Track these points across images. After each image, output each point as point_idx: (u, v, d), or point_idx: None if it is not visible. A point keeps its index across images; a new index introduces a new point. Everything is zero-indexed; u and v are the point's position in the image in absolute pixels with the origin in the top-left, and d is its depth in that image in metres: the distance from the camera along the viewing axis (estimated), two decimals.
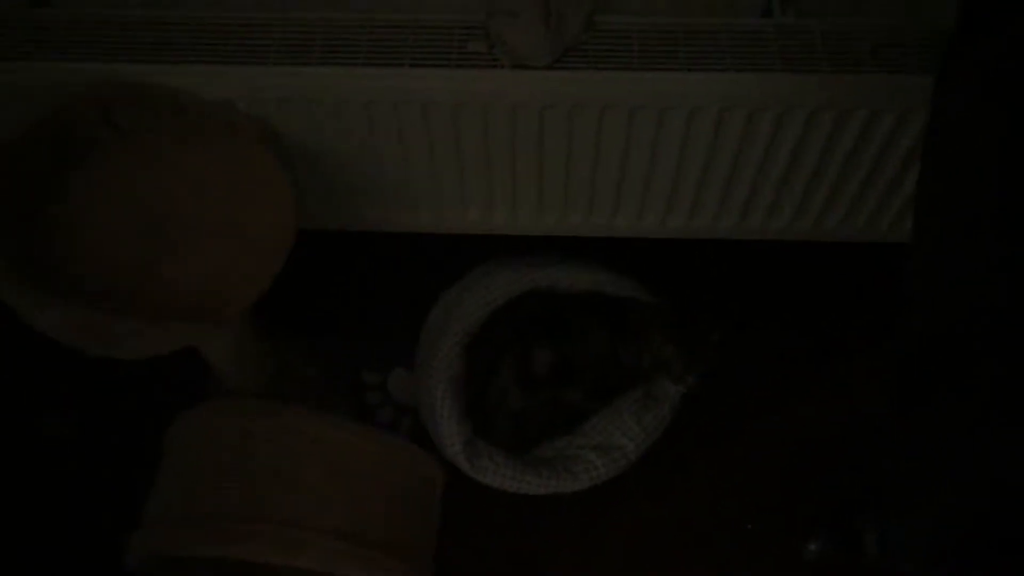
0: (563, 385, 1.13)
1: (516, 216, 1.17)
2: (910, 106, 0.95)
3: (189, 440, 0.97)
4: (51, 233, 0.83)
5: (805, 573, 1.09)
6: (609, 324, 1.17)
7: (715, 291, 1.28)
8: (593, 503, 1.13)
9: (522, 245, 1.20)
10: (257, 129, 0.97)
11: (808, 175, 1.07)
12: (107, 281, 0.82)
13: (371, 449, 0.99)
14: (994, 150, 0.61)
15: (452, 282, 1.21)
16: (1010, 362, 0.62)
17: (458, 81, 0.94)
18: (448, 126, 1.01)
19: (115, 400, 1.16)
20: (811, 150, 1.02)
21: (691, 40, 0.95)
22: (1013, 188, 0.60)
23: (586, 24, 0.95)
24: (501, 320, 1.15)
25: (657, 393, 1.16)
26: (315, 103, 0.97)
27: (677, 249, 1.23)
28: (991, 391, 0.64)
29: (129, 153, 0.91)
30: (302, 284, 1.18)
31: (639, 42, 0.95)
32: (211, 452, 0.95)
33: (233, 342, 1.03)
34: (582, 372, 1.14)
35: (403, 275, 1.27)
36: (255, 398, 1.02)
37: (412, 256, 1.26)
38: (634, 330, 1.17)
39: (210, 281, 0.91)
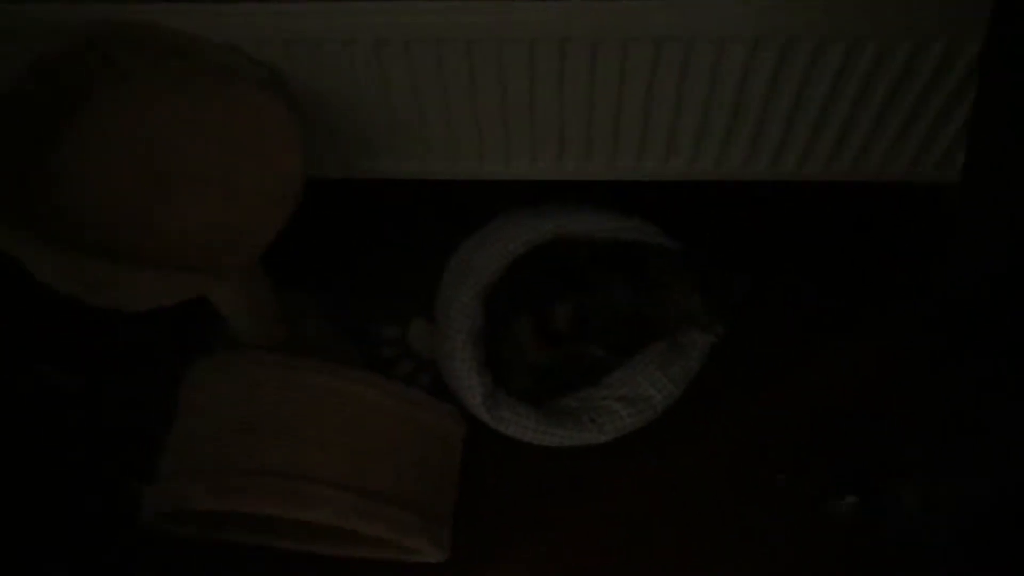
0: (583, 340, 1.10)
1: (536, 161, 1.12)
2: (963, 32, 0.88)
3: (201, 392, 0.95)
4: (49, 179, 0.80)
5: (838, 528, 1.06)
6: (631, 275, 1.12)
7: (743, 237, 1.22)
8: (618, 454, 1.10)
9: (542, 191, 1.15)
10: (263, 73, 0.93)
11: (849, 108, 1.00)
12: (107, 229, 0.79)
13: (386, 402, 0.97)
14: None
15: (471, 231, 1.17)
16: None
17: (472, 13, 0.89)
18: (462, 64, 0.96)
19: (127, 353, 1.14)
20: (852, 81, 0.96)
21: None
22: None
23: None
24: (520, 271, 1.11)
25: (684, 342, 1.12)
26: (323, 43, 0.93)
27: (701, 193, 1.17)
28: None
29: (129, 98, 0.88)
30: (316, 235, 1.15)
31: None
32: (222, 405, 0.93)
33: (242, 294, 1.00)
34: (602, 326, 1.10)
35: (420, 224, 1.24)
36: (266, 350, 0.99)
37: (428, 204, 1.22)
38: (657, 280, 1.12)
39: (214, 231, 0.87)
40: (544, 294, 1.11)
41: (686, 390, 1.11)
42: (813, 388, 1.13)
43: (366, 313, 1.20)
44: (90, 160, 0.83)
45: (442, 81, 0.98)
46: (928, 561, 0.87)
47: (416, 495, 0.94)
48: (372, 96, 1.01)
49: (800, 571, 1.06)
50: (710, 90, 0.98)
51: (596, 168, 1.14)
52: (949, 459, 0.78)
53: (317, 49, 0.93)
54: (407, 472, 0.96)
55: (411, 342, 1.17)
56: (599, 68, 0.96)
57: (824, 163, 1.11)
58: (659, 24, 0.89)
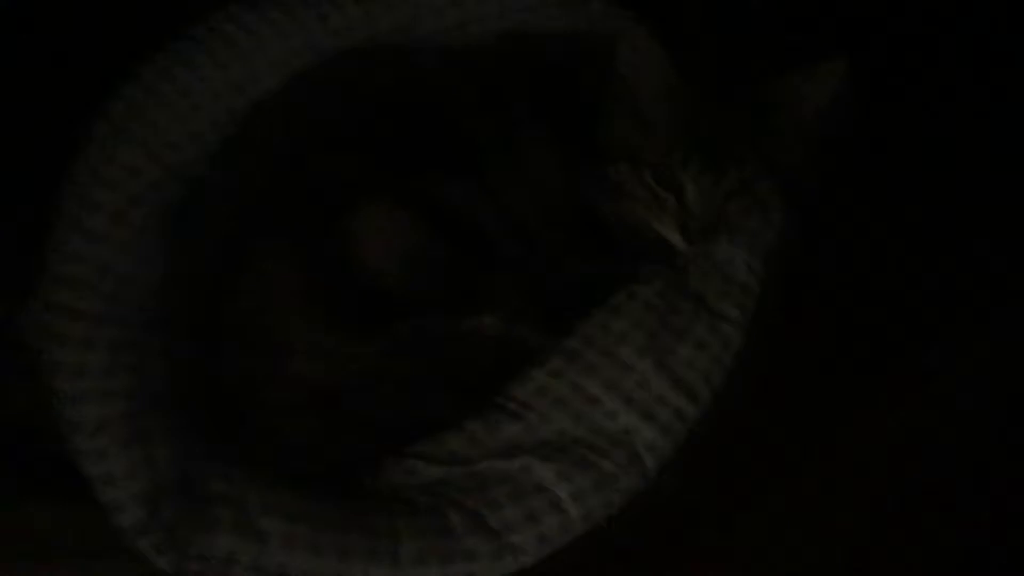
0: (456, 302, 0.42)
1: None
2: None
3: None
4: None
5: None
6: (565, 126, 0.44)
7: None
8: None
9: None
10: None
11: None
12: None
13: None
14: None
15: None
16: None
17: None
18: None
19: None
20: None
21: None
22: None
23: None
24: (268, 142, 0.43)
25: (705, 290, 0.45)
26: None
27: None
28: None
29: None
30: None
31: None
32: None
33: None
34: (504, 260, 0.43)
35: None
36: None
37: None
38: (618, 137, 0.43)
39: None
40: (334, 188, 0.42)
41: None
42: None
43: None
44: None
45: None
46: None
47: None
48: None
49: None
50: None
51: None
52: None
53: None
54: None
55: (29, 332, 0.49)
56: None
57: None
58: None
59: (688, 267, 0.46)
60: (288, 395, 0.40)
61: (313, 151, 0.42)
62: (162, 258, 0.41)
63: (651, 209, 0.42)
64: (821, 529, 0.47)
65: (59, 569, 0.39)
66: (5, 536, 0.40)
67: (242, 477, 0.39)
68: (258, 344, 0.40)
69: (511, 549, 0.39)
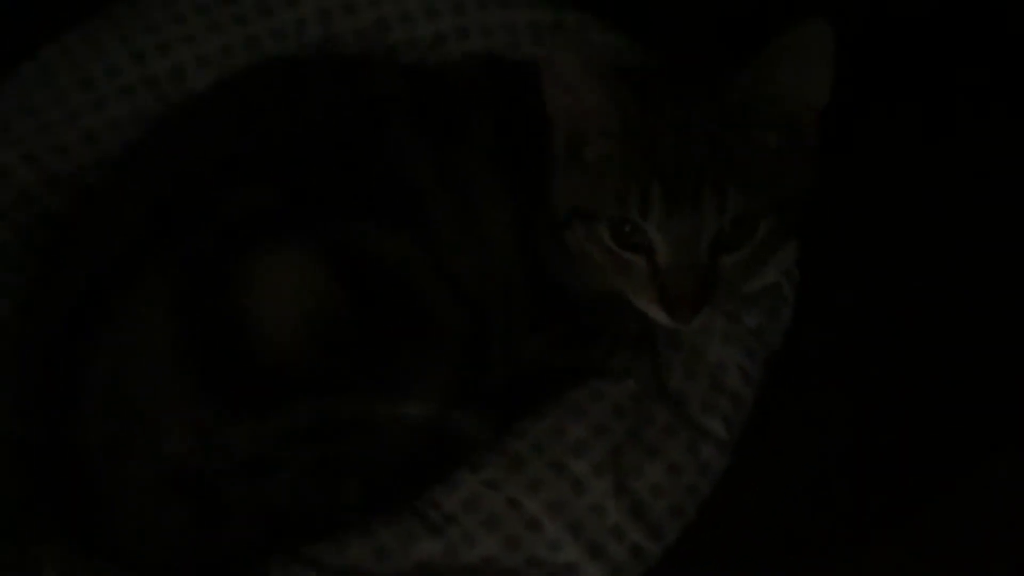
0: (374, 382, 0.34)
1: None
2: None
3: None
4: None
5: None
6: (526, 178, 0.36)
7: None
8: None
9: None
10: None
11: None
12: None
13: None
14: None
15: None
16: None
17: None
18: None
19: None
20: None
21: None
22: None
23: None
24: (169, 149, 0.35)
25: (687, 395, 0.37)
26: None
27: None
28: None
29: None
30: None
31: None
32: None
33: None
34: (442, 334, 0.35)
35: None
36: None
37: None
38: (566, 190, 0.35)
39: None
40: (227, 233, 0.33)
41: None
42: None
43: None
44: None
45: None
46: None
47: None
48: None
49: None
50: None
51: None
52: None
53: None
54: None
55: None
56: None
57: None
58: None
59: (672, 361, 0.38)
60: (154, 475, 0.32)
61: (224, 174, 0.34)
62: (18, 285, 0.33)
63: (620, 277, 0.33)
64: None
65: None
66: None
67: (83, 567, 0.31)
68: (122, 409, 0.32)
69: None
